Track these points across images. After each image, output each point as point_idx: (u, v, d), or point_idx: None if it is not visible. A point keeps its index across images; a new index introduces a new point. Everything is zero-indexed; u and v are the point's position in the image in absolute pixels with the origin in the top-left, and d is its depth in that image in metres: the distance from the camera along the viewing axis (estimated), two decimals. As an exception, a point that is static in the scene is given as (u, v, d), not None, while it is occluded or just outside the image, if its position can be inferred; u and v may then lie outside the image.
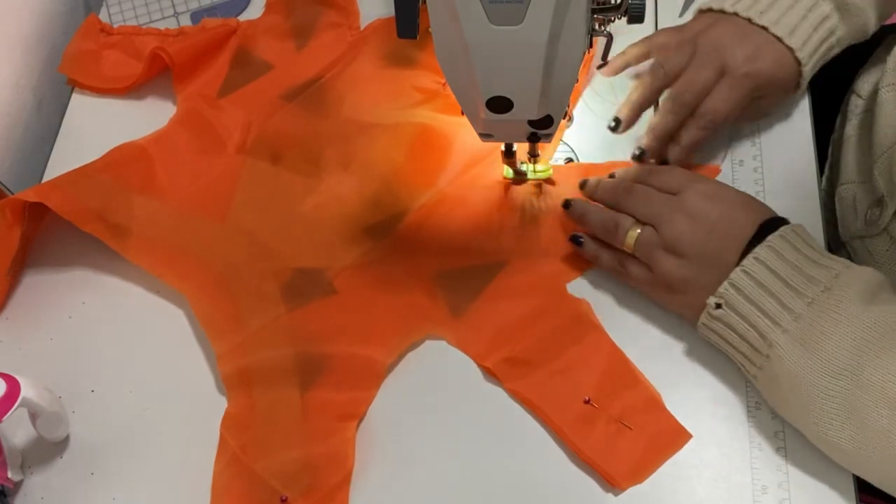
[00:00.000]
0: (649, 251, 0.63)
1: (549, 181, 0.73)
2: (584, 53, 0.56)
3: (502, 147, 0.72)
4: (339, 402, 0.65)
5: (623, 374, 0.64)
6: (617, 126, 0.71)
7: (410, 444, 0.64)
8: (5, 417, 0.58)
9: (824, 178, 0.77)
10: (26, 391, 0.60)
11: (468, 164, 0.74)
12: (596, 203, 0.69)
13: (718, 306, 0.59)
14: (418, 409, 0.65)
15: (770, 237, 0.59)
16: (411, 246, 0.70)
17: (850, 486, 0.59)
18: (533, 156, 0.71)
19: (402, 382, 0.67)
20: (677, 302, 0.64)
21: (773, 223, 0.61)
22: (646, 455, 0.61)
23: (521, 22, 0.50)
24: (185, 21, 0.87)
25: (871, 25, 0.70)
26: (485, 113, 0.59)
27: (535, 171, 0.73)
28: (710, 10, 0.70)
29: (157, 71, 0.83)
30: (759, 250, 0.59)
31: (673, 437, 0.62)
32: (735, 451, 0.61)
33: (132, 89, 0.83)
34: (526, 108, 0.58)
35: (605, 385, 0.63)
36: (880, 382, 0.54)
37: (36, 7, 0.86)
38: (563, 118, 0.73)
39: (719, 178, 0.71)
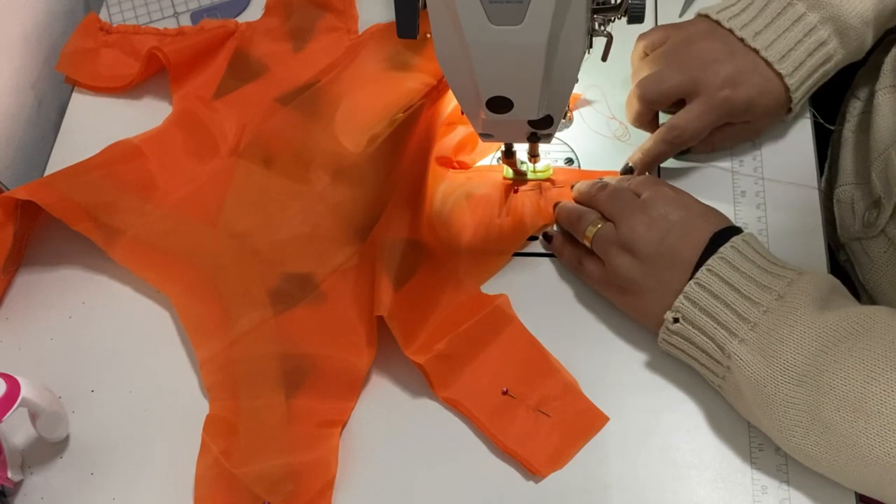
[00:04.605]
0: (605, 247, 0.64)
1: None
2: (584, 53, 0.56)
3: (502, 147, 0.72)
4: (324, 408, 0.65)
5: (539, 364, 0.65)
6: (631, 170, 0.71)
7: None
8: (5, 417, 0.58)
9: (823, 179, 0.77)
10: (26, 391, 0.60)
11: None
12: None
13: (676, 320, 0.60)
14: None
15: (722, 248, 0.60)
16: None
17: (850, 487, 0.59)
18: (533, 155, 0.71)
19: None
20: (629, 304, 0.65)
21: (725, 233, 0.61)
22: (564, 441, 0.62)
23: (521, 22, 0.50)
24: (185, 21, 0.87)
25: (869, 44, 0.70)
26: (485, 113, 0.59)
27: (535, 171, 0.73)
28: (707, 16, 0.70)
29: (154, 71, 0.83)
30: (713, 262, 0.59)
31: (590, 421, 0.63)
32: (735, 451, 0.61)
33: (129, 88, 0.83)
34: (526, 108, 0.58)
35: (522, 376, 0.65)
36: (840, 386, 0.54)
37: (36, 6, 0.86)
38: (563, 118, 0.73)
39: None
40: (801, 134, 0.73)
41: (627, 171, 0.70)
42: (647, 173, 0.70)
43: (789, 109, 0.69)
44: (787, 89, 0.67)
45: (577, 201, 0.69)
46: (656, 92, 0.68)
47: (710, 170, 0.72)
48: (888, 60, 0.70)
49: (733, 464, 0.61)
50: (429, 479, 0.63)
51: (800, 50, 0.67)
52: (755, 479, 0.60)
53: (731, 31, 0.68)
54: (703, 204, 0.64)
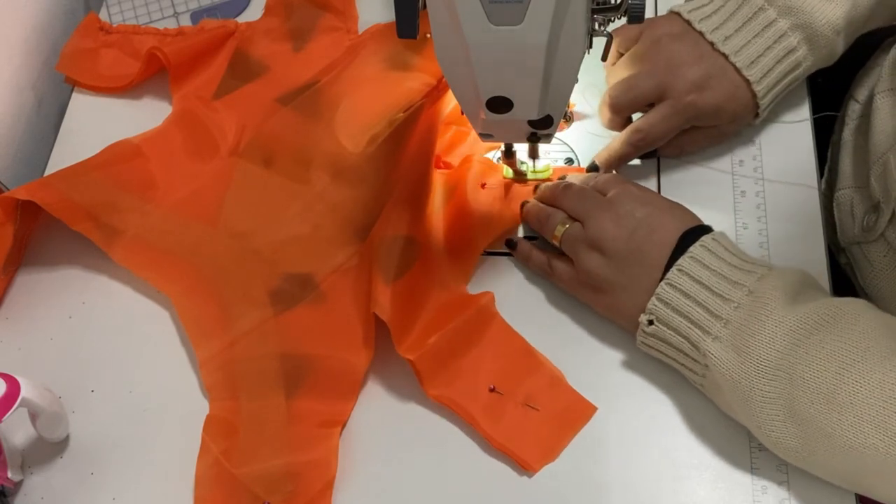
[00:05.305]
0: (574, 246, 0.64)
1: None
2: (584, 53, 0.56)
3: (502, 147, 0.72)
4: (323, 408, 0.65)
5: (524, 359, 0.66)
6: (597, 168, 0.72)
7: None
8: (5, 417, 0.58)
9: (823, 182, 0.77)
10: (26, 391, 0.60)
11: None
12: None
13: (651, 322, 0.60)
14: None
15: (692, 247, 0.60)
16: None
17: (850, 487, 0.59)
18: (533, 157, 0.71)
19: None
20: (601, 303, 0.65)
21: (694, 232, 0.61)
22: (554, 434, 0.63)
23: (521, 22, 0.50)
24: (185, 21, 0.87)
25: (839, 52, 0.69)
26: (485, 113, 0.59)
27: (534, 171, 0.73)
28: (679, 14, 0.69)
29: (154, 71, 0.83)
30: (683, 261, 0.59)
31: (578, 411, 0.63)
32: (735, 451, 0.61)
33: (129, 88, 0.83)
34: (526, 108, 0.58)
35: (508, 372, 0.65)
36: (813, 379, 0.54)
37: (36, 7, 0.86)
38: (563, 118, 0.73)
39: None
40: (801, 135, 0.73)
41: (593, 168, 0.71)
42: (611, 173, 0.70)
43: (756, 115, 0.69)
44: (754, 95, 0.67)
45: (541, 202, 0.69)
46: (626, 99, 0.68)
47: (709, 170, 0.72)
48: (886, 63, 0.69)
49: (733, 464, 0.61)
50: (428, 479, 0.63)
51: (769, 56, 0.67)
52: (755, 479, 0.60)
53: (701, 33, 0.67)
54: (669, 200, 0.64)
